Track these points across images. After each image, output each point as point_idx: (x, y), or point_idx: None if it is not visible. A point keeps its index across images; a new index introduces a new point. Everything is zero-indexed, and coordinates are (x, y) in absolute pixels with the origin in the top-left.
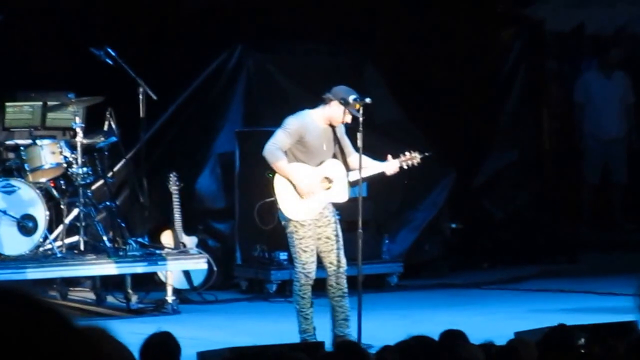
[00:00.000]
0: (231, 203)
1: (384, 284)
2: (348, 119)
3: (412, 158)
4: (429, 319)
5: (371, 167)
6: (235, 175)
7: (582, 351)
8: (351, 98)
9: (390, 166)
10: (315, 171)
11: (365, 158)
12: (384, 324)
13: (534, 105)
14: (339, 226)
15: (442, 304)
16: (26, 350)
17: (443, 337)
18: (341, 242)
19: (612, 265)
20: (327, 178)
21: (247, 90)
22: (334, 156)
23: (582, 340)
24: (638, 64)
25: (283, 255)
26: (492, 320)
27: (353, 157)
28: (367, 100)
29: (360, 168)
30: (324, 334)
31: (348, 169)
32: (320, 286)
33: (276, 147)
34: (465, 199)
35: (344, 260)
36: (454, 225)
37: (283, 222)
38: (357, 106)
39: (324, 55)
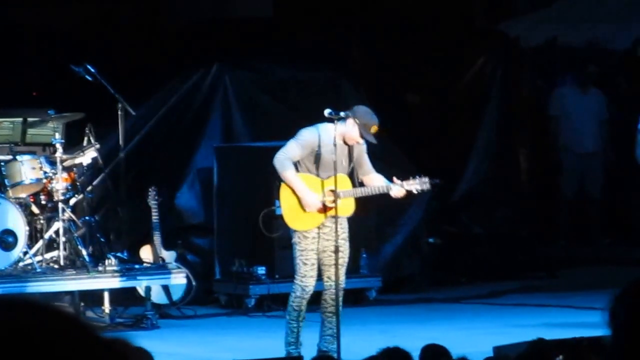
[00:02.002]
0: (210, 218)
1: (363, 298)
2: (360, 140)
3: (423, 183)
4: (407, 333)
5: (377, 187)
6: (214, 191)
7: None
8: (370, 121)
9: (396, 189)
10: (322, 184)
11: (378, 177)
12: (363, 339)
13: (510, 120)
14: (346, 243)
15: (421, 318)
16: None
17: (424, 352)
18: (345, 259)
19: (590, 280)
20: (332, 192)
21: (224, 107)
22: (351, 173)
23: (560, 358)
24: (608, 80)
25: (261, 270)
26: (471, 335)
27: (370, 176)
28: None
29: (336, 186)
30: (309, 349)
31: (356, 186)
32: (314, 299)
33: (285, 157)
34: (443, 214)
35: (342, 278)
36: (432, 240)
37: (290, 232)
38: (374, 130)
39: (301, 71)
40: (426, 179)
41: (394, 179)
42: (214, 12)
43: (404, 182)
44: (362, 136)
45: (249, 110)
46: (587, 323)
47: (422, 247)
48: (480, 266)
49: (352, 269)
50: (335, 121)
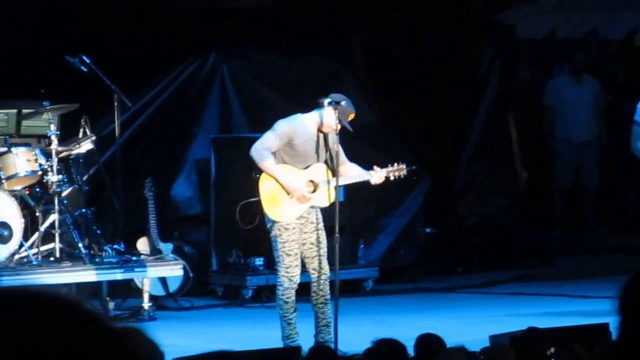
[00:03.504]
0: (207, 209)
1: (360, 288)
2: (336, 127)
3: (399, 170)
4: (404, 323)
5: (357, 175)
6: (210, 182)
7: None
8: (348, 109)
9: (376, 176)
10: (301, 174)
11: (353, 166)
12: (360, 329)
13: (506, 111)
14: (323, 233)
15: (417, 308)
16: (64, 351)
17: (419, 341)
18: (325, 249)
19: (585, 268)
20: (311, 181)
21: (221, 97)
22: (325, 162)
23: (552, 350)
24: (606, 70)
25: (259, 261)
26: (467, 324)
27: (345, 166)
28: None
29: (337, 174)
30: (306, 340)
31: (335, 175)
32: (303, 291)
33: (263, 147)
34: (439, 204)
35: (326, 267)
36: (428, 230)
37: (268, 225)
38: (351, 117)
39: (300, 61)
40: (403, 166)
41: (374, 167)
42: (212, 0)
43: (383, 169)
44: (339, 123)
45: (247, 101)
46: (582, 312)
47: (419, 237)
48: (475, 256)
49: (350, 260)
50: (327, 107)
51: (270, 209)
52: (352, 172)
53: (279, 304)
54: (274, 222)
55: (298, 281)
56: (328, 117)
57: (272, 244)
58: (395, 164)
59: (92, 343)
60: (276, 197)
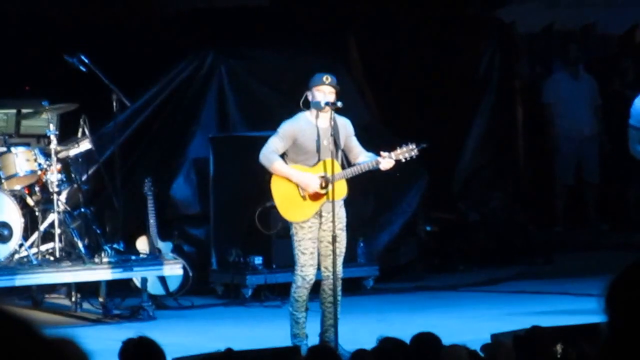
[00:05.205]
0: (206, 208)
1: (360, 287)
2: (331, 98)
3: (410, 150)
4: (405, 322)
5: (365, 164)
6: (209, 181)
7: (558, 356)
8: (317, 78)
9: (385, 162)
10: (311, 171)
11: (363, 154)
12: (360, 328)
13: (507, 107)
14: (343, 233)
15: (418, 306)
16: None
17: (414, 341)
18: (342, 249)
19: (587, 265)
20: (322, 177)
21: (219, 96)
22: (343, 154)
23: (559, 347)
24: (605, 64)
25: (258, 260)
26: (468, 322)
27: (361, 157)
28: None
29: (333, 170)
30: (312, 339)
31: (347, 166)
32: (313, 289)
33: (270, 151)
34: (440, 201)
35: (340, 267)
36: (429, 228)
37: (288, 224)
38: (327, 80)
39: (297, 60)
40: (413, 145)
41: (381, 152)
42: (210, 0)
43: (392, 153)
44: (324, 92)
45: (245, 100)
46: (584, 310)
47: (419, 235)
48: (476, 253)
49: (349, 258)
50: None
51: (285, 210)
52: (359, 161)
53: (290, 301)
54: (290, 221)
55: (312, 281)
56: (317, 97)
57: (291, 242)
58: (404, 146)
59: (22, 350)
60: (289, 198)
